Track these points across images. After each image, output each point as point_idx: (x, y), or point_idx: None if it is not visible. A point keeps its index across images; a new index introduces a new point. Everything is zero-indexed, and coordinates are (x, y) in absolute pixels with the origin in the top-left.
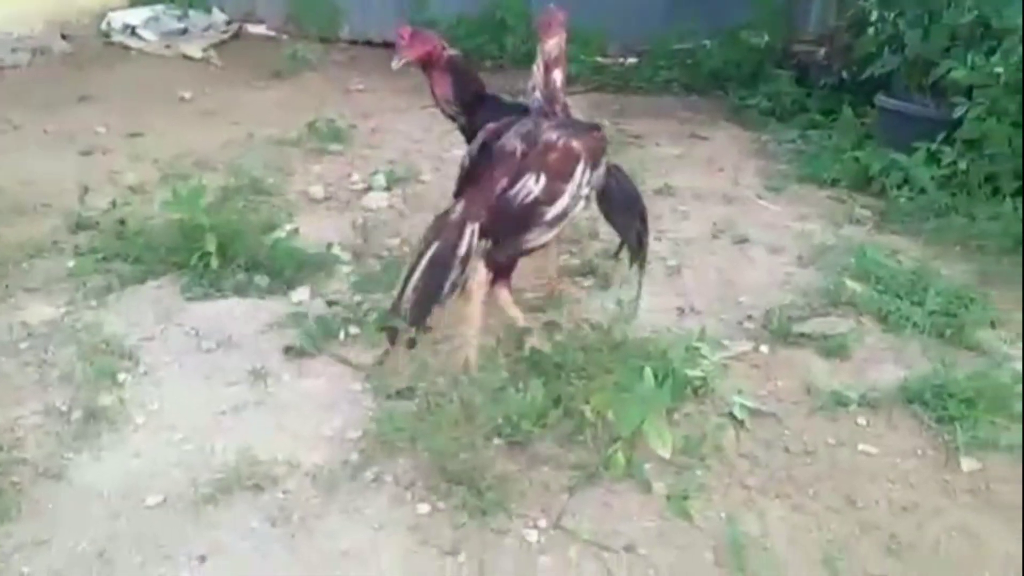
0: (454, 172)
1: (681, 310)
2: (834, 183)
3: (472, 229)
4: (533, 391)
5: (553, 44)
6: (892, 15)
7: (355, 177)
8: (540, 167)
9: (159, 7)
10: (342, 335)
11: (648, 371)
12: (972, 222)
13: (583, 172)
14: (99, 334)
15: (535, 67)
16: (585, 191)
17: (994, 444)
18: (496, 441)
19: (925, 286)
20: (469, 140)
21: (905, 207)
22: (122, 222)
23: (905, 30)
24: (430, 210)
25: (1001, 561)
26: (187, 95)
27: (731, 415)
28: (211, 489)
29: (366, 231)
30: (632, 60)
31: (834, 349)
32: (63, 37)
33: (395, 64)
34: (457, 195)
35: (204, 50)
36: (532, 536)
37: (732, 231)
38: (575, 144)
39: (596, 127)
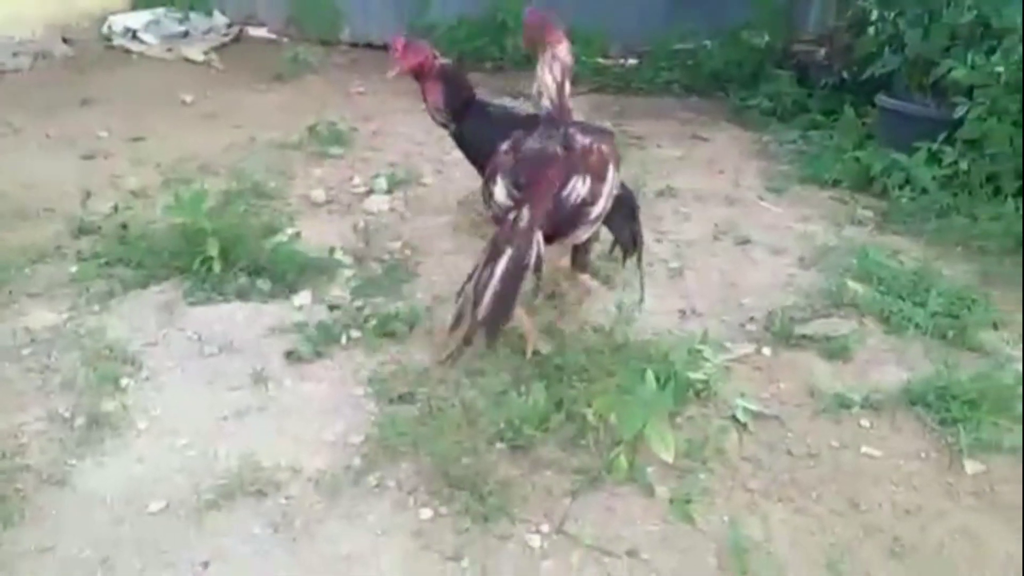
0: (456, 175)
1: (683, 312)
2: (835, 184)
3: (539, 235)
4: (535, 394)
5: (566, 49)
6: (892, 15)
7: (356, 180)
8: (584, 169)
9: (160, 10)
10: (344, 339)
11: (650, 374)
12: (974, 222)
13: (613, 173)
14: (102, 339)
15: (542, 73)
16: (615, 191)
17: (998, 446)
18: (498, 445)
19: (927, 287)
20: (461, 146)
21: (907, 207)
22: (124, 226)
23: (905, 30)
24: (431, 213)
25: (1004, 563)
26: (188, 98)
27: (734, 418)
28: (213, 495)
29: (367, 234)
30: (633, 61)
31: (836, 351)
32: (64, 41)
33: (390, 75)
34: (498, 218)
35: (205, 53)
36: (535, 541)
37: (734, 232)
38: (605, 147)
39: (610, 132)
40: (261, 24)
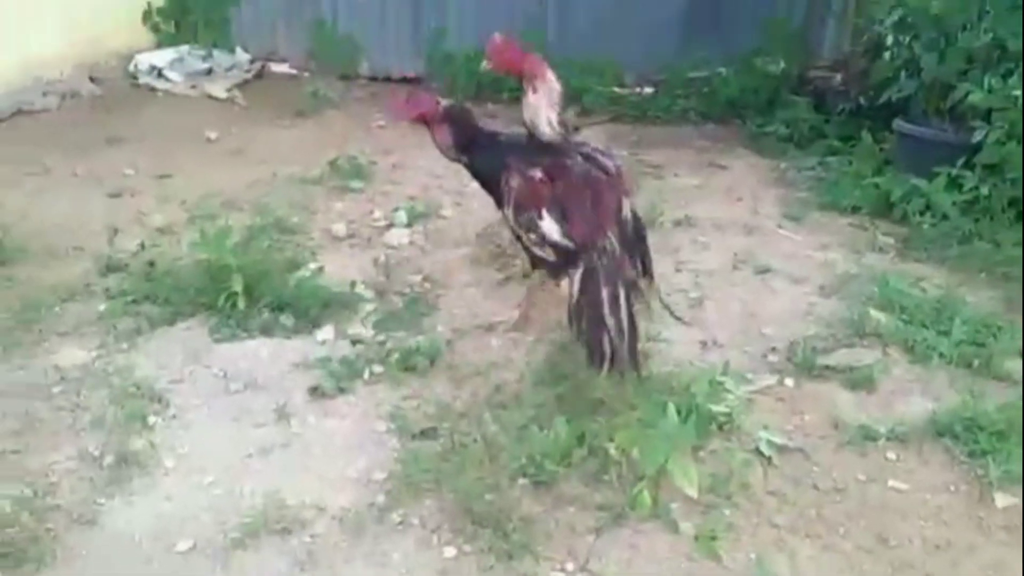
0: (474, 207)
1: (704, 343)
2: (855, 210)
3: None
4: (557, 429)
5: (553, 77)
6: (907, 39)
7: (377, 214)
8: (626, 190)
9: (184, 48)
10: (366, 374)
11: (671, 407)
12: (997, 248)
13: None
14: (130, 377)
15: (534, 102)
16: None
17: None
18: (521, 481)
19: (951, 315)
20: (476, 177)
21: (928, 234)
22: (151, 264)
23: (921, 54)
24: (451, 246)
25: None
26: (213, 135)
27: (758, 451)
28: (239, 533)
29: (388, 268)
30: (648, 90)
31: (860, 381)
32: (91, 80)
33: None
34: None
35: (228, 90)
36: None
37: (753, 261)
38: (624, 168)
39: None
40: (283, 60)
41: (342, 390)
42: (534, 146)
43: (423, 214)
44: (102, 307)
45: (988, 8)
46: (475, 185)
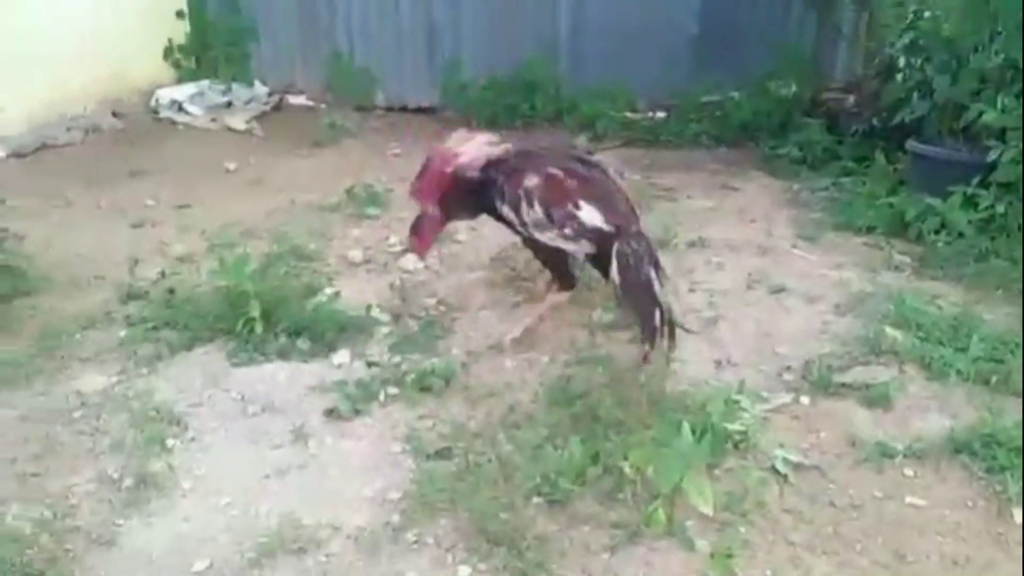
0: (487, 231)
1: (719, 362)
2: (869, 230)
3: None
4: (571, 448)
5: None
6: (919, 61)
7: (392, 240)
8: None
9: (204, 83)
10: (382, 396)
11: (686, 426)
12: (1014, 265)
13: None
14: (149, 402)
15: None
16: None
17: None
18: (535, 500)
19: (968, 332)
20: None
21: (944, 252)
22: (171, 291)
23: (933, 75)
24: (465, 270)
25: None
26: (232, 166)
27: (773, 469)
28: (255, 553)
29: (404, 292)
30: (661, 114)
31: (877, 399)
32: (114, 115)
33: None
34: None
35: (247, 122)
36: None
37: (768, 281)
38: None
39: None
40: (300, 92)
41: (358, 412)
42: (535, 156)
43: (438, 239)
44: (123, 334)
45: (999, 29)
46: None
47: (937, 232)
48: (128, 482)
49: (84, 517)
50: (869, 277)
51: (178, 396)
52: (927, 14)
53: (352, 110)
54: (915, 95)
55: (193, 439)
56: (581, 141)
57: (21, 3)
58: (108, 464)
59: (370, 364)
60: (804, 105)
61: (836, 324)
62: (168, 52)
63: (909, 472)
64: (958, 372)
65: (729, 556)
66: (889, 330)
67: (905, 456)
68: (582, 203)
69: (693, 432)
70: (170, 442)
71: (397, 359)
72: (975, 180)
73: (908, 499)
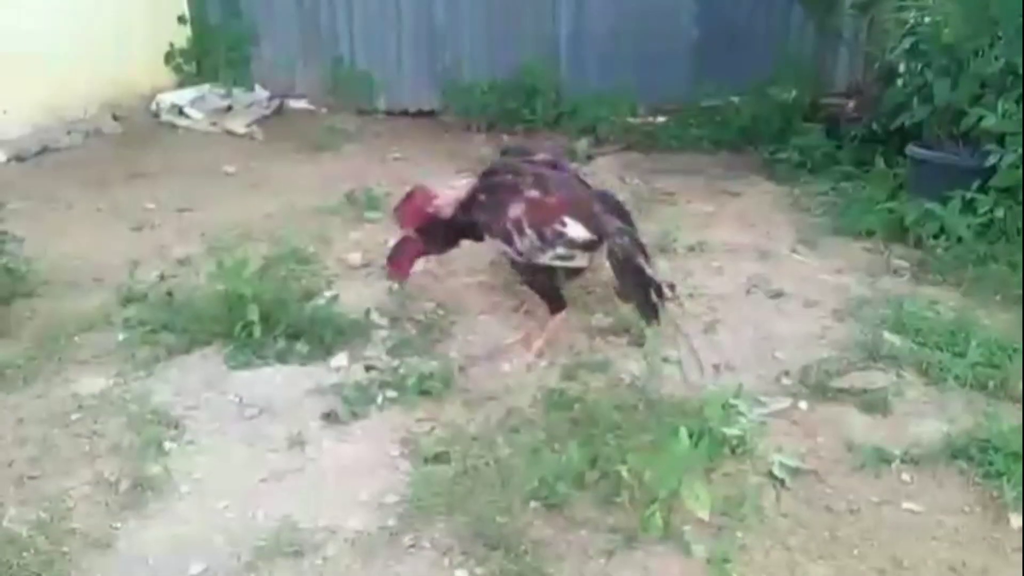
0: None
1: (717, 367)
2: (869, 235)
3: None
4: (569, 452)
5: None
6: (919, 66)
7: (392, 243)
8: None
9: (205, 87)
10: (380, 399)
11: (684, 430)
12: (1012, 271)
13: None
14: (147, 404)
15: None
16: None
17: None
18: (533, 504)
19: (966, 337)
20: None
21: (942, 257)
22: (170, 294)
23: (933, 80)
24: (464, 274)
25: None
26: (232, 169)
27: (771, 474)
28: (252, 556)
29: (402, 296)
30: (661, 119)
31: (874, 404)
32: (114, 118)
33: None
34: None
35: (248, 126)
36: None
37: (767, 286)
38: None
39: None
40: (301, 96)
41: (356, 415)
42: (504, 184)
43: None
44: (121, 336)
45: (999, 34)
46: None
47: (936, 237)
48: (125, 485)
49: (81, 519)
50: (868, 282)
51: (176, 399)
52: (927, 19)
53: (353, 114)
54: (915, 100)
55: (190, 442)
56: (582, 145)
57: (22, 6)
58: (105, 466)
59: (368, 368)
60: (804, 110)
61: (835, 329)
62: (169, 56)
63: (906, 477)
64: (956, 377)
65: (726, 561)
66: (887, 335)
67: (902, 461)
68: (567, 220)
69: (691, 436)
70: (167, 445)
71: (395, 363)
72: (974, 185)
73: (905, 504)
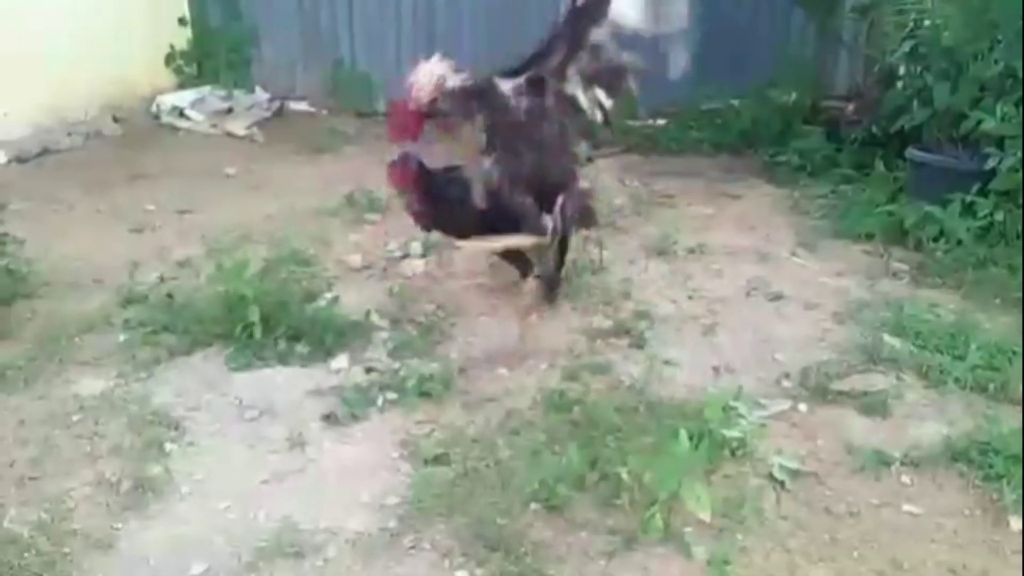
0: None
1: (717, 369)
2: (869, 238)
3: None
4: (569, 454)
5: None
6: (919, 69)
7: (392, 245)
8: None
9: (205, 89)
10: (380, 401)
11: (684, 432)
12: (1012, 274)
13: None
14: (148, 405)
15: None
16: None
17: None
18: (533, 506)
19: (966, 339)
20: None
21: (942, 260)
22: (170, 296)
23: (933, 84)
24: (464, 276)
25: None
26: (232, 171)
27: (771, 476)
28: (253, 557)
29: (403, 298)
30: (661, 122)
31: (874, 406)
32: (115, 120)
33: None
34: None
35: (248, 128)
36: None
37: (766, 288)
38: None
39: None
40: (301, 98)
41: (356, 417)
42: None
43: (437, 244)
44: (121, 338)
45: (999, 38)
46: None
47: (936, 240)
48: (126, 485)
49: (82, 520)
50: (868, 284)
51: (176, 400)
52: (927, 23)
53: (353, 116)
54: (915, 103)
55: (191, 443)
56: (582, 149)
57: (23, 8)
58: (106, 467)
59: (369, 369)
60: (804, 113)
61: (834, 331)
62: (170, 58)
63: (906, 480)
64: (956, 380)
65: (726, 563)
66: (887, 338)
67: (902, 464)
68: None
69: (691, 439)
70: (168, 446)
71: (396, 364)
72: (974, 188)
73: (905, 507)
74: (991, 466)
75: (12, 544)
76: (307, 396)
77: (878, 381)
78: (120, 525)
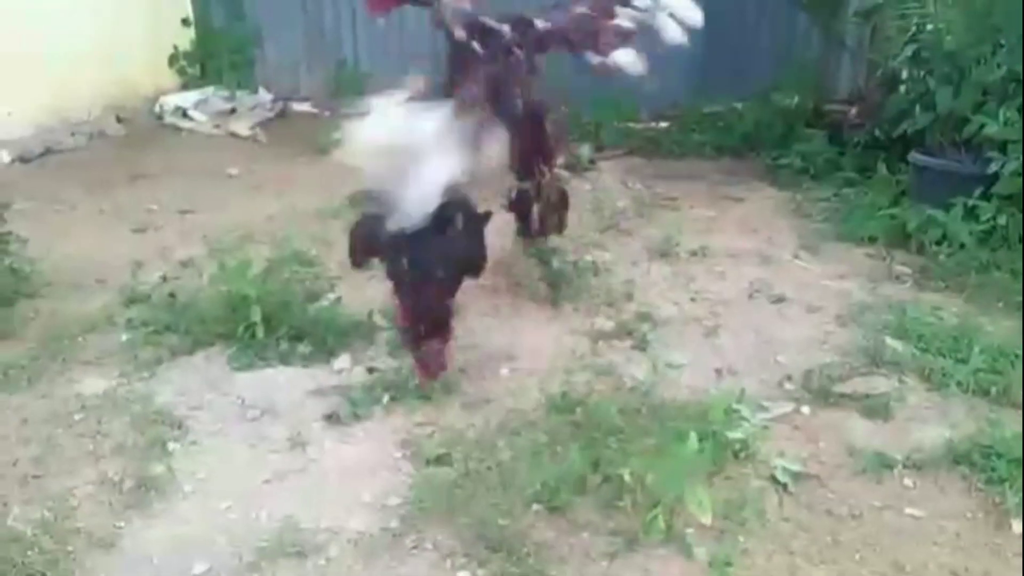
0: (490, 238)
1: (719, 371)
2: (871, 241)
3: None
4: (571, 455)
5: None
6: (922, 73)
7: None
8: None
9: (209, 89)
10: (382, 401)
11: (693, 434)
12: (1014, 278)
13: None
14: (150, 405)
15: None
16: None
17: None
18: (535, 507)
19: (969, 343)
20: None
21: (945, 263)
22: (172, 295)
23: (935, 88)
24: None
25: None
26: (235, 172)
27: (773, 478)
28: (255, 557)
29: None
30: (663, 125)
31: (877, 409)
32: (118, 120)
33: None
34: None
35: (251, 128)
36: None
37: (769, 291)
38: None
39: None
40: (304, 99)
41: (358, 417)
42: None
43: None
44: (124, 337)
45: (1001, 42)
46: (493, 219)
47: (938, 243)
48: (129, 484)
49: (85, 519)
50: (870, 288)
51: (179, 400)
52: (930, 27)
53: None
54: (917, 107)
55: (193, 442)
56: (584, 151)
57: (26, 8)
58: (109, 466)
59: (371, 370)
60: (807, 116)
61: (837, 334)
62: (173, 59)
63: (908, 482)
64: (958, 383)
65: (728, 564)
66: (890, 341)
67: (904, 466)
68: None
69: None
70: (171, 445)
71: (398, 365)
72: (977, 192)
73: (907, 510)
74: (993, 469)
75: (15, 542)
76: (309, 396)
77: (880, 384)
78: (123, 524)
